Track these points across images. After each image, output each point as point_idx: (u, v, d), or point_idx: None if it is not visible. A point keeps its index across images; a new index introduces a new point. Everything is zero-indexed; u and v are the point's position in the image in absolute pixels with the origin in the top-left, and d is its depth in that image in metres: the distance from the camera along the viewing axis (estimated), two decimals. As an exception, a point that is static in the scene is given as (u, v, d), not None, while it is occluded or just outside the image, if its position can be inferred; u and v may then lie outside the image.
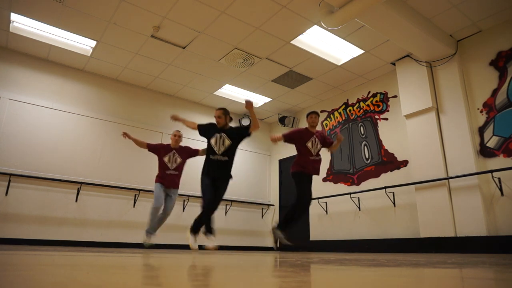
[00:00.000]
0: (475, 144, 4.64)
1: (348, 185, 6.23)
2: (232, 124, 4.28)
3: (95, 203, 5.74)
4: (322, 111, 7.18)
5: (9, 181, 5.07)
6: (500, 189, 4.28)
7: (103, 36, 5.19)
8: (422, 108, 5.10)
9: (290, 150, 7.80)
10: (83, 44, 5.46)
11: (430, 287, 0.84)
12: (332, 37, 5.08)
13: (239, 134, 4.12)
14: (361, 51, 5.41)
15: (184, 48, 5.43)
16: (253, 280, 0.98)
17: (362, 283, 0.91)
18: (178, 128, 5.75)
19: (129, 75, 6.35)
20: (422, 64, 5.22)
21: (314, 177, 4.31)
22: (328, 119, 7.01)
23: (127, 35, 5.13)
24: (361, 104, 6.38)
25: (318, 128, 7.15)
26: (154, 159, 4.98)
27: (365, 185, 5.93)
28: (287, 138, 4.30)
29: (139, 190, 6.08)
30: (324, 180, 6.69)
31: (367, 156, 6.05)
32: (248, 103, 3.89)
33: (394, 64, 5.70)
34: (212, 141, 4.06)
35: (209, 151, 4.10)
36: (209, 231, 4.05)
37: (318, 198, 6.42)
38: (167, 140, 6.71)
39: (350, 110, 6.58)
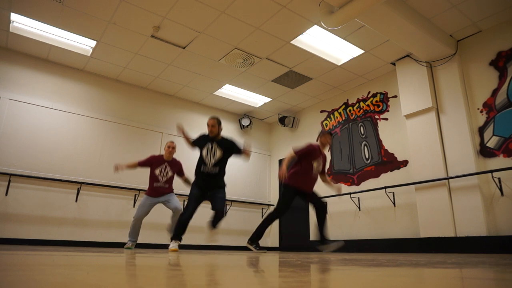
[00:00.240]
0: (475, 144, 4.64)
1: (348, 185, 6.23)
2: (223, 134, 4.21)
3: (95, 203, 5.74)
4: (322, 111, 7.18)
5: (9, 181, 5.07)
6: (500, 189, 4.28)
7: (103, 36, 5.19)
8: (422, 108, 5.10)
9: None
10: (83, 44, 5.46)
11: (430, 287, 0.84)
12: (332, 37, 5.08)
13: (231, 149, 4.05)
14: (361, 51, 5.41)
15: (184, 48, 5.43)
16: (253, 280, 0.98)
17: (362, 283, 0.91)
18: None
19: (129, 75, 6.35)
20: (422, 64, 5.22)
21: (314, 177, 4.32)
22: (328, 119, 7.01)
23: (127, 35, 5.13)
24: (361, 104, 6.38)
25: (318, 128, 7.16)
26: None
27: (365, 185, 5.93)
28: (302, 155, 4.19)
29: (139, 190, 6.08)
30: (324, 180, 6.69)
31: (367, 156, 6.05)
32: (247, 154, 4.02)
33: (394, 64, 5.70)
34: (204, 152, 4.01)
35: (199, 163, 4.04)
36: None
37: (318, 198, 6.42)
38: (167, 140, 6.71)
39: (350, 110, 6.58)
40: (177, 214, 4.55)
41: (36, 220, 5.19)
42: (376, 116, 6.06)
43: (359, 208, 5.94)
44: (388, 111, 5.89)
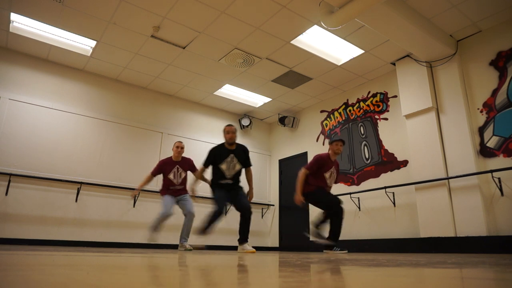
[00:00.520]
0: (475, 144, 4.64)
1: (348, 185, 6.23)
2: (237, 140, 4.44)
3: (95, 203, 5.74)
4: (322, 111, 7.18)
5: (9, 181, 5.07)
6: (500, 189, 4.28)
7: (103, 36, 5.19)
8: (422, 108, 5.10)
9: (290, 150, 7.81)
10: (83, 44, 5.46)
11: (430, 287, 0.84)
12: (332, 37, 5.08)
13: (245, 161, 4.33)
14: (361, 51, 5.41)
15: (184, 48, 5.43)
16: (253, 280, 0.98)
17: (362, 283, 0.91)
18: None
19: (129, 75, 6.35)
20: (422, 64, 5.22)
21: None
22: (328, 119, 7.01)
23: (127, 35, 5.13)
24: (361, 104, 6.38)
25: (318, 127, 7.16)
26: (154, 160, 4.97)
27: (365, 185, 5.94)
28: (313, 170, 4.28)
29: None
30: (324, 180, 6.69)
31: (367, 156, 6.05)
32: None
33: (394, 64, 5.70)
34: (224, 166, 4.18)
35: (217, 174, 4.22)
36: (245, 239, 4.17)
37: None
38: (167, 140, 6.72)
39: (350, 110, 6.58)
40: (190, 218, 4.61)
41: (36, 220, 5.19)
42: (376, 116, 6.06)
43: (359, 208, 5.94)
44: (388, 111, 5.89)
